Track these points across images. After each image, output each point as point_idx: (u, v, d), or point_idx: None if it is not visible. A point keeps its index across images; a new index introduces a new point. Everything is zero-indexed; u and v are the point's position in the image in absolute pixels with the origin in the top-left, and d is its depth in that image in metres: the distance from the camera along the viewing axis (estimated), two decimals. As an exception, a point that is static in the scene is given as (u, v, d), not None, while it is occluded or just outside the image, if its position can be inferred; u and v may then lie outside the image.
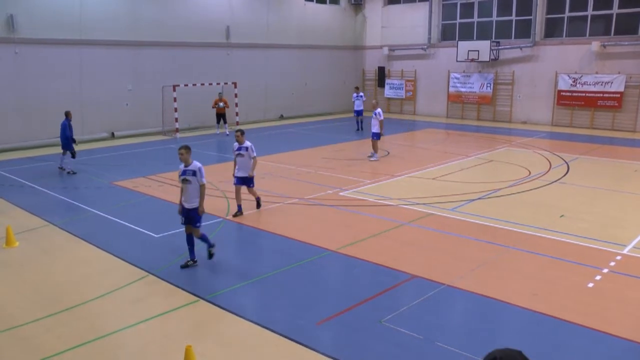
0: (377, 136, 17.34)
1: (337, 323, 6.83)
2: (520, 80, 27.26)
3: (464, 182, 14.27)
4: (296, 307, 7.29)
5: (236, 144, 11.15)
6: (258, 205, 11.69)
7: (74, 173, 15.56)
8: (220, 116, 23.51)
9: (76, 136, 21.06)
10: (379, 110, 17.28)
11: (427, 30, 30.08)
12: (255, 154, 11.14)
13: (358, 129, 24.31)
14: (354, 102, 24.57)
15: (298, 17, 29.56)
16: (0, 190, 13.81)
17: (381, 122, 17.14)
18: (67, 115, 15.81)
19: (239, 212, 11.27)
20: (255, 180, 15.06)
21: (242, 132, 11.13)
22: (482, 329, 6.67)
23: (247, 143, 11.07)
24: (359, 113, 24.30)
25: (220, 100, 23.33)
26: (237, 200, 11.29)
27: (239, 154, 11.09)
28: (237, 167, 11.17)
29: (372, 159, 17.36)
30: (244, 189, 11.44)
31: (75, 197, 13.05)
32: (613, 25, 24.21)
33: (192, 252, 8.69)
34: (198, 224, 8.66)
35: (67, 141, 15.56)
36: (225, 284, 8.03)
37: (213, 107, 23.58)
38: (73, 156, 15.78)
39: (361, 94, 24.50)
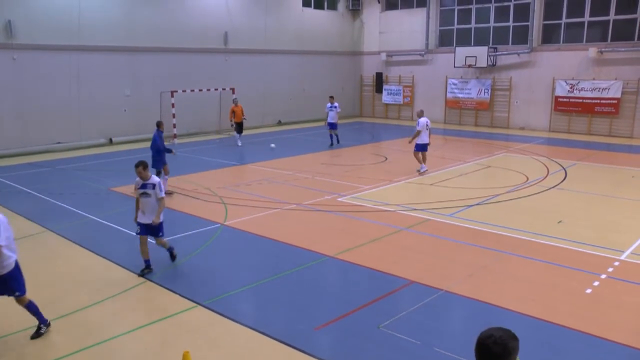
0: (419, 147, 16.23)
1: (335, 328, 6.82)
2: (518, 86, 27.35)
3: (462, 188, 14.28)
4: (294, 313, 7.28)
5: (139, 180, 8.47)
6: (173, 258, 9.07)
7: (170, 193, 13.40)
8: (239, 125, 22.09)
9: (74, 142, 21.30)
10: (419, 119, 16.28)
11: (425, 36, 30.18)
12: (163, 194, 8.52)
13: (332, 144, 21.57)
14: (327, 113, 21.49)
15: (296, 23, 29.65)
16: (-3, 195, 13.79)
17: (416, 133, 16.07)
18: (159, 125, 13.47)
19: (147, 268, 8.65)
20: (254, 186, 14.99)
21: (144, 165, 8.45)
22: (481, 335, 6.65)
23: (155, 179, 8.50)
24: (332, 126, 21.48)
25: (237, 106, 22.11)
26: (142, 254, 8.62)
27: (144, 193, 8.44)
28: (140, 210, 8.58)
29: (421, 170, 16.20)
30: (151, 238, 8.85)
31: (73, 203, 13.02)
32: (610, 31, 24.32)
33: (38, 315, 6.74)
34: (18, 293, 6.47)
35: (160, 156, 13.22)
36: (222, 289, 8.01)
37: (230, 119, 22.30)
38: (158, 174, 13.10)
39: (336, 104, 21.44)
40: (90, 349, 6.34)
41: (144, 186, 8.44)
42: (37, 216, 11.87)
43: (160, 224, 8.62)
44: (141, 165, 8.39)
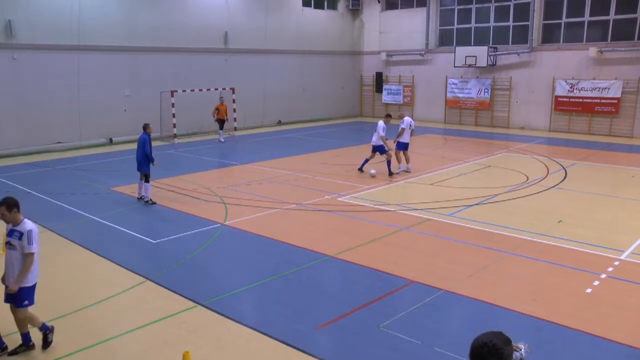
0: (401, 146, 16.22)
1: (336, 328, 6.82)
2: (518, 86, 27.34)
3: (462, 188, 14.27)
4: (294, 313, 7.27)
5: (7, 225, 6.16)
6: (45, 344, 6.28)
7: (153, 203, 12.78)
8: (221, 122, 23.18)
9: (74, 142, 21.31)
10: (404, 118, 16.43)
11: (425, 35, 30.18)
12: (33, 248, 5.96)
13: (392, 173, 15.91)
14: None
15: (296, 23, 29.64)
16: (-3, 196, 13.77)
17: (401, 131, 16.20)
18: (146, 128, 12.86)
19: (24, 345, 6.25)
20: (254, 186, 15.02)
21: (9, 204, 6.01)
22: (481, 335, 6.66)
23: (26, 225, 6.01)
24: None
25: (222, 105, 23.08)
26: (21, 329, 6.27)
27: (8, 244, 6.04)
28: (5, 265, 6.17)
29: (397, 171, 16.07)
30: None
31: (73, 203, 13.02)
32: (610, 30, 24.32)
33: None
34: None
35: (146, 159, 12.64)
36: (223, 289, 8.01)
37: (213, 115, 23.29)
38: (146, 178, 12.80)
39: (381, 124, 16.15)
40: (90, 349, 6.35)
41: (10, 233, 6.01)
42: (37, 216, 11.80)
43: (26, 289, 6.04)
44: (4, 204, 5.96)
